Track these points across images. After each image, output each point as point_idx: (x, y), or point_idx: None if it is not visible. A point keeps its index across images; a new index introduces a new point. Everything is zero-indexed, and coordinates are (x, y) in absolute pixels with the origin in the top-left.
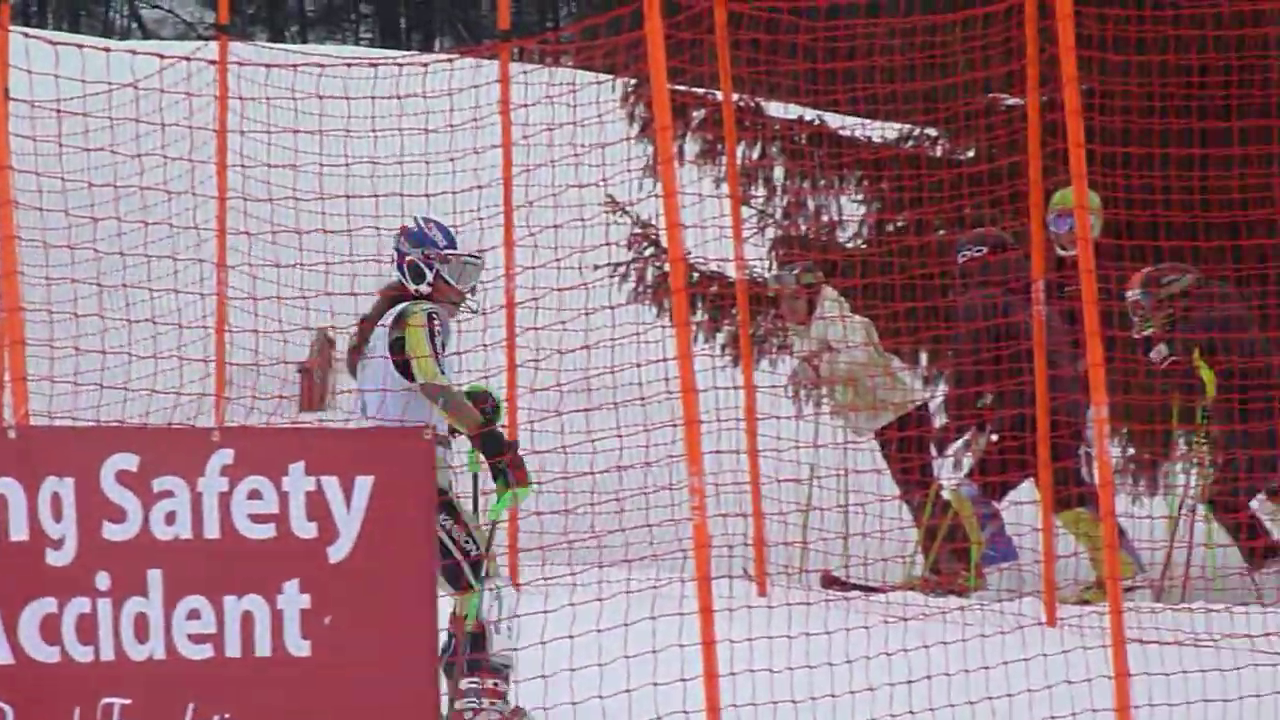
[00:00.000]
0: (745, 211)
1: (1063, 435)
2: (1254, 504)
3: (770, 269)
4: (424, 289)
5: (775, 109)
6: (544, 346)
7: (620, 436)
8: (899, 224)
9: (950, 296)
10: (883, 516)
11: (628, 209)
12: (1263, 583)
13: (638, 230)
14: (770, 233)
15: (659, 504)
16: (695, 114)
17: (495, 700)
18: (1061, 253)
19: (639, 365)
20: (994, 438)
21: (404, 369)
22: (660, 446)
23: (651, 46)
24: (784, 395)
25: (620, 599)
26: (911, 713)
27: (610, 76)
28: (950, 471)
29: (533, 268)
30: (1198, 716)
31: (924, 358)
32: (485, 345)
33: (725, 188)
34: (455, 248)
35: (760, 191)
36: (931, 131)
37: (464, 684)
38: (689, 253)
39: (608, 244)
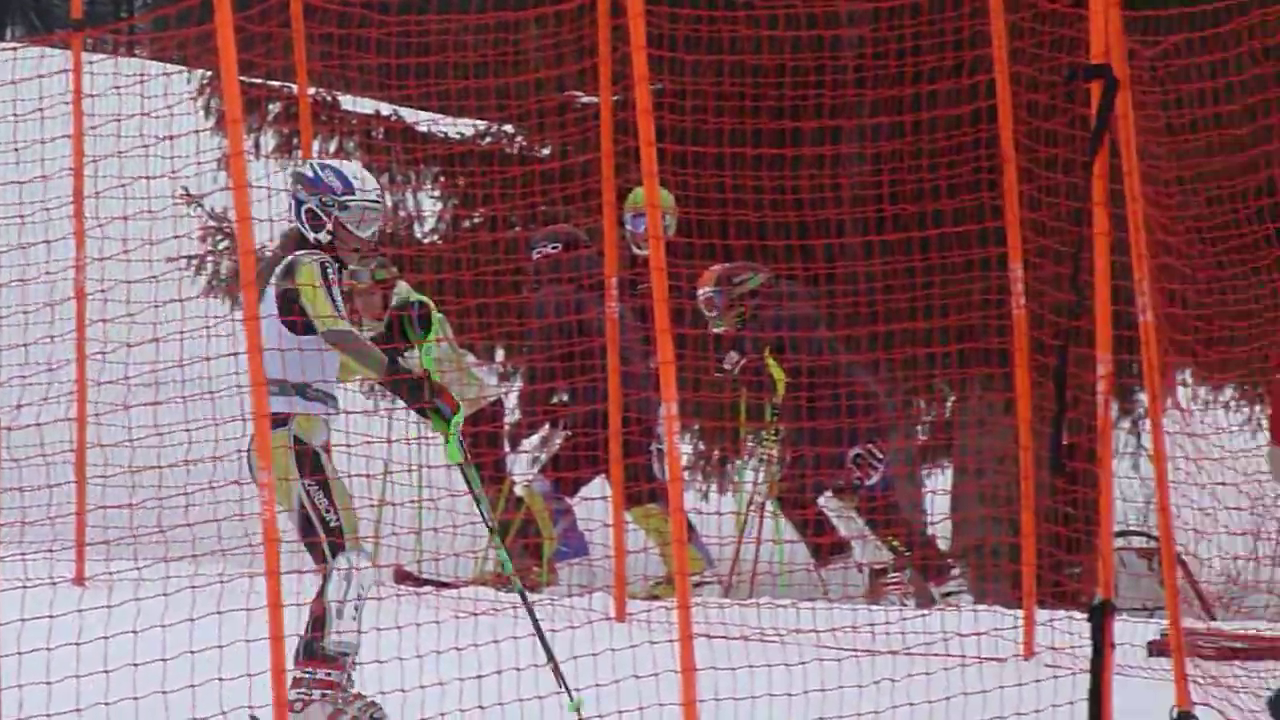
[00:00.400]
0: None
1: (634, 432)
2: (821, 501)
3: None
4: (324, 238)
5: (351, 103)
6: (112, 340)
7: (188, 431)
8: (475, 220)
9: (524, 293)
10: (455, 512)
11: (201, 202)
12: (829, 579)
13: (211, 223)
14: None
15: (227, 499)
16: (271, 107)
17: (327, 690)
18: (636, 251)
19: (208, 359)
20: (567, 434)
21: (295, 325)
22: (229, 441)
23: (222, 40)
24: (358, 390)
25: (186, 594)
26: (481, 707)
27: (183, 68)
28: (524, 467)
29: (102, 259)
30: (763, 711)
31: (499, 353)
32: (53, 337)
33: None
34: (353, 193)
35: None
36: (508, 128)
37: (296, 672)
38: (263, 247)
39: (179, 237)
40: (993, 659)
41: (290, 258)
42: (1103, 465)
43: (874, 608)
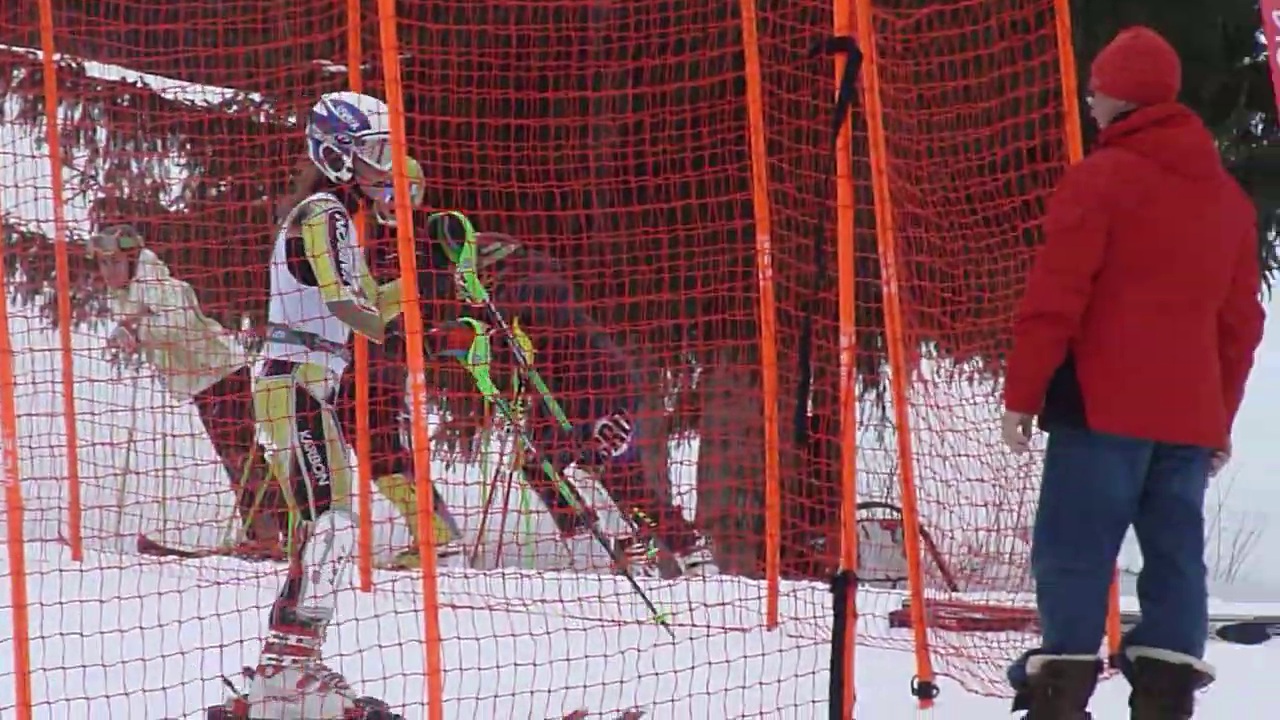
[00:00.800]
0: (66, 173)
1: (380, 402)
2: (567, 472)
3: (91, 231)
4: (344, 175)
5: (98, 70)
6: None
7: None
8: (221, 188)
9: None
10: (199, 481)
11: None
12: (574, 548)
13: None
14: (91, 195)
15: None
16: (16, 73)
17: (299, 657)
18: (382, 221)
19: None
20: None
21: (299, 270)
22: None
23: None
24: (103, 359)
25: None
26: (224, 678)
27: None
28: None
29: None
30: (508, 680)
31: (245, 322)
32: None
33: (46, 148)
34: (369, 126)
35: (82, 153)
36: (255, 96)
37: (269, 636)
38: (7, 213)
39: None
40: (736, 629)
41: (304, 203)
42: (845, 437)
43: (618, 578)
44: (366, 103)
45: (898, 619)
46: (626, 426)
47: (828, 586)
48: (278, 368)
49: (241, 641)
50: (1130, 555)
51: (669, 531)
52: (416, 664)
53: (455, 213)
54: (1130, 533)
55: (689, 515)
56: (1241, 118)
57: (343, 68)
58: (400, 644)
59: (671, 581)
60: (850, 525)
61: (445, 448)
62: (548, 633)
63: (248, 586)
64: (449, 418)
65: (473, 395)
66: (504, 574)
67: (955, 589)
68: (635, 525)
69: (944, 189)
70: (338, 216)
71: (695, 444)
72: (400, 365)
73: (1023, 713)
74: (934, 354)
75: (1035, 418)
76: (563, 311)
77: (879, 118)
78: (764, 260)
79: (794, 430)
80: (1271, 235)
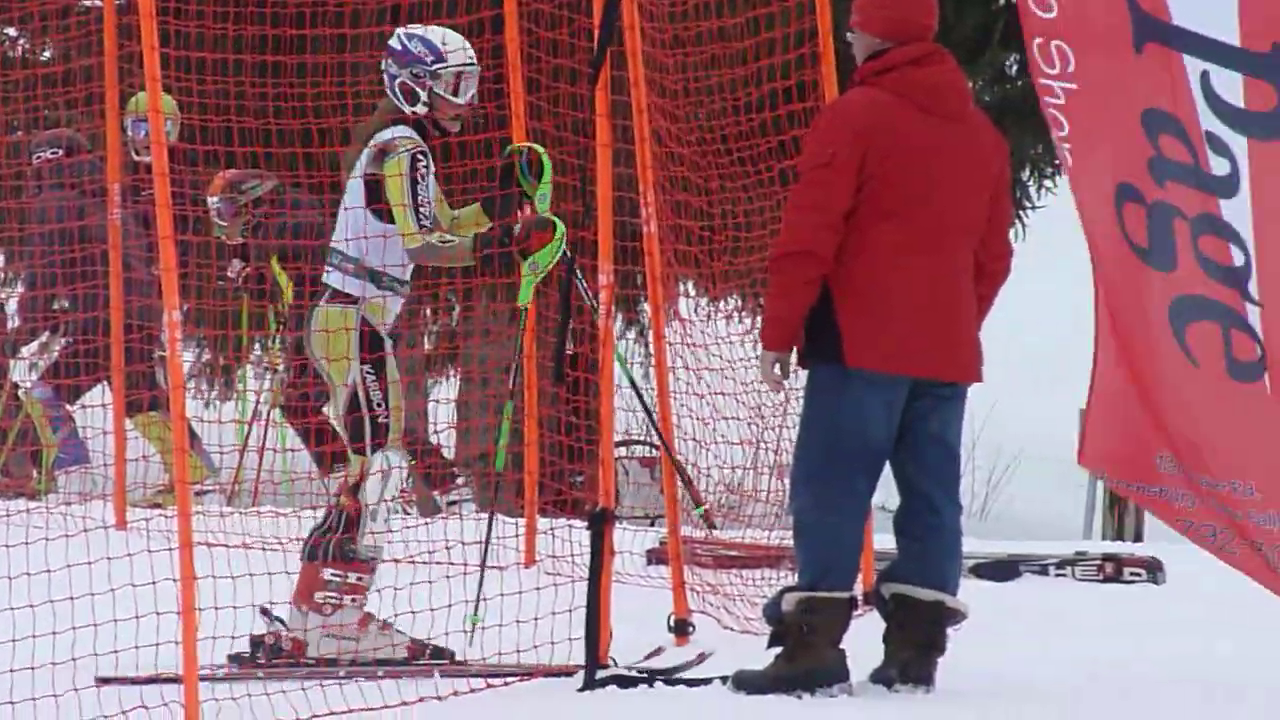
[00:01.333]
0: None
1: (135, 339)
2: (325, 410)
3: None
4: (420, 109)
5: None
6: None
7: None
8: None
9: (25, 198)
10: None
11: None
12: (331, 486)
13: None
14: None
15: None
16: None
17: (356, 596)
18: (136, 158)
19: None
20: (67, 340)
21: (380, 214)
22: None
23: None
24: None
25: None
26: None
27: None
28: (24, 374)
29: None
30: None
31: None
32: None
33: None
34: (444, 60)
35: None
36: (10, 31)
37: (326, 573)
38: None
39: None
40: (494, 566)
41: (383, 141)
42: (603, 375)
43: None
44: (439, 33)
45: (655, 556)
46: None
47: (585, 524)
48: (342, 299)
49: (10, 578)
50: (887, 492)
51: (427, 469)
52: (171, 603)
53: (537, 146)
54: (887, 470)
55: (448, 453)
56: (996, 57)
57: (98, 2)
58: (154, 582)
59: (429, 520)
60: (609, 463)
61: (202, 386)
62: (288, 572)
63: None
64: (206, 356)
65: (229, 333)
66: (259, 513)
67: (713, 527)
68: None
69: (701, 128)
70: (420, 157)
71: (455, 382)
72: (155, 304)
73: (778, 649)
74: (691, 293)
75: (794, 356)
76: (320, 248)
77: (639, 56)
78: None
79: (553, 368)
80: (1025, 175)
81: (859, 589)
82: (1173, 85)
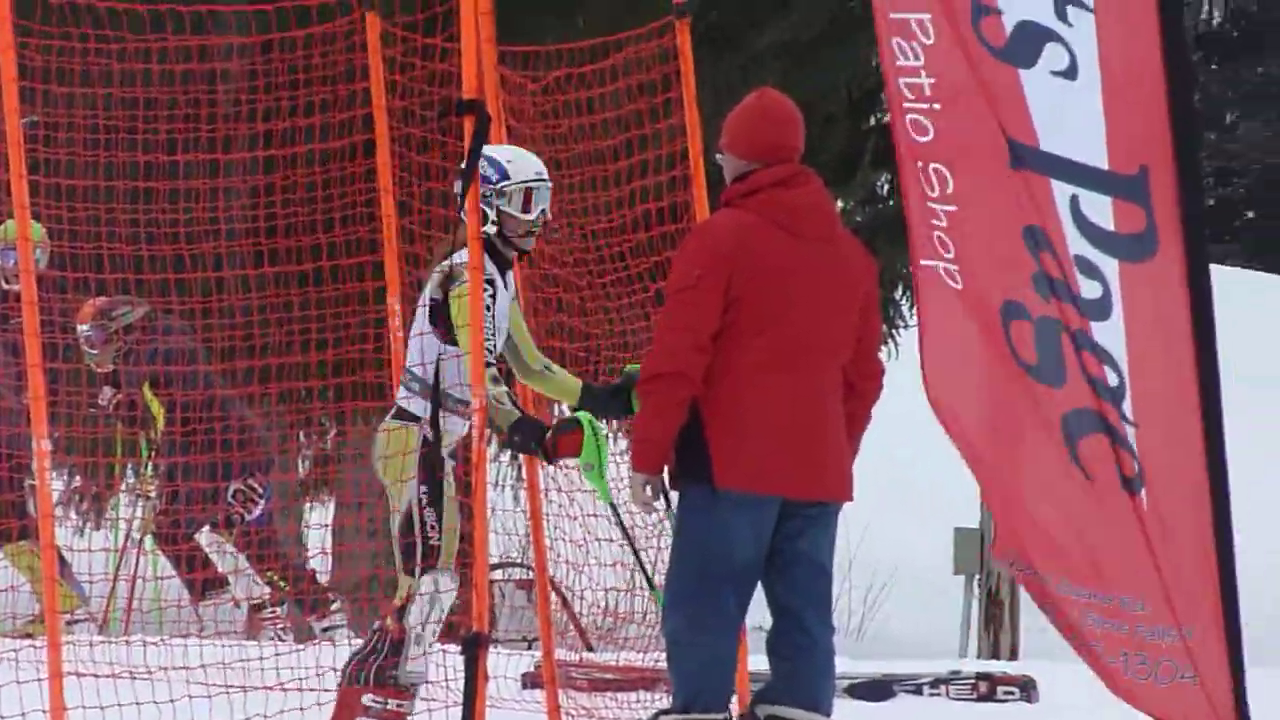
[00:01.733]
0: None
1: (5, 468)
2: (199, 536)
3: None
4: (489, 229)
5: None
6: None
7: None
8: None
9: None
10: None
11: None
12: (204, 614)
13: None
14: None
15: None
16: None
17: None
18: (5, 286)
19: None
20: None
21: (441, 333)
22: None
23: None
24: None
25: None
26: None
27: None
28: None
29: None
30: None
31: None
32: None
33: None
34: (509, 179)
35: None
36: None
37: (366, 699)
38: None
39: None
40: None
41: (450, 264)
42: (476, 497)
43: (249, 643)
44: (505, 152)
45: (530, 680)
46: (260, 490)
47: (459, 649)
48: (406, 416)
49: None
50: (762, 613)
51: (301, 595)
52: None
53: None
54: (760, 591)
55: (323, 579)
56: (867, 178)
57: None
58: (24, 714)
59: (303, 646)
60: (482, 587)
61: (73, 514)
62: (172, 700)
63: None
64: (76, 483)
65: (100, 461)
66: (128, 641)
67: (591, 649)
68: (268, 589)
69: (577, 250)
70: (486, 287)
71: (330, 506)
72: (25, 432)
73: None
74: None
75: (665, 477)
76: (193, 375)
77: None
78: (395, 323)
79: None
80: (897, 294)
81: (734, 710)
82: (1044, 209)
